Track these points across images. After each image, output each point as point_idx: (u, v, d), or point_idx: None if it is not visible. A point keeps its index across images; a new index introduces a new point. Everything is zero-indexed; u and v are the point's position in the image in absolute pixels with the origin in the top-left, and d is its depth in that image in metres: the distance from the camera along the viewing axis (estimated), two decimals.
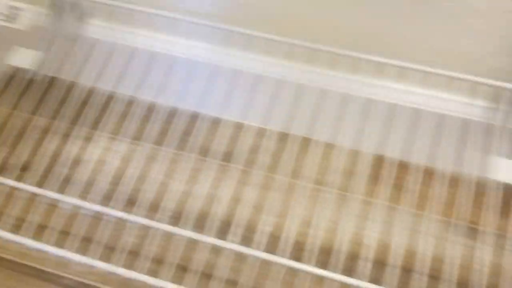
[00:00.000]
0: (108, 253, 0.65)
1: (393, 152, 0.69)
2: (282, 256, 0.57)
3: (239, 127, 0.77)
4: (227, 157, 0.75)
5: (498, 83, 0.60)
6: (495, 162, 0.56)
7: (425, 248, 0.65)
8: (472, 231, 0.68)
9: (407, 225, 0.68)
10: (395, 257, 0.64)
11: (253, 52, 0.67)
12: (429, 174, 0.71)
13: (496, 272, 0.63)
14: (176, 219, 0.69)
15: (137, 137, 0.77)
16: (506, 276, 0.62)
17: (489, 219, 0.67)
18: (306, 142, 0.74)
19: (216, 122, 0.78)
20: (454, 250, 0.65)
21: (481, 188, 0.67)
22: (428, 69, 0.60)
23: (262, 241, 0.63)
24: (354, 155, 0.73)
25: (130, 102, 0.77)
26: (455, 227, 0.67)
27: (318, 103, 0.67)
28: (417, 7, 0.58)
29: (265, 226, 0.67)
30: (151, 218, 0.68)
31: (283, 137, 0.75)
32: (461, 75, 0.60)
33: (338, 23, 0.63)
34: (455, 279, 0.61)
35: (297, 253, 0.63)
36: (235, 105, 0.68)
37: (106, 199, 0.68)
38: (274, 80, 0.67)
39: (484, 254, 0.63)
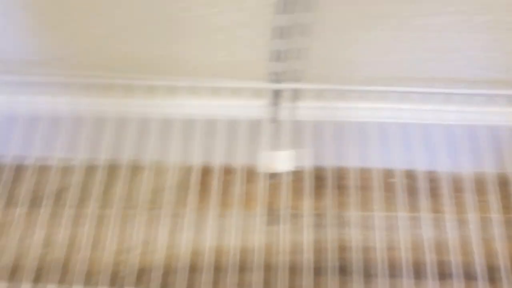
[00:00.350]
0: None
1: (197, 160, 0.74)
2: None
3: (43, 169, 0.76)
4: (34, 201, 0.74)
5: (260, 84, 0.68)
6: (265, 154, 0.63)
7: (235, 242, 0.70)
8: (278, 217, 0.75)
9: (218, 224, 0.73)
10: (208, 258, 0.69)
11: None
12: (228, 174, 0.77)
13: (298, 249, 0.71)
14: None
15: None
16: (302, 250, 0.70)
17: (282, 204, 0.74)
18: (112, 169, 0.76)
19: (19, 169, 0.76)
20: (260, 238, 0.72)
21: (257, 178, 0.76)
22: (195, 83, 0.65)
23: (78, 277, 0.64)
24: (160, 172, 0.77)
25: None
26: (255, 217, 0.74)
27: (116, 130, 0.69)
28: (173, 28, 0.63)
29: (80, 261, 0.68)
30: None
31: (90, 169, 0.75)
32: (225, 83, 0.66)
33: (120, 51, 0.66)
34: (262, 264, 0.68)
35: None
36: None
37: None
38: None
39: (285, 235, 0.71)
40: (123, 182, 0.74)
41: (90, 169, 0.75)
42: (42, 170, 0.76)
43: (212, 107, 0.69)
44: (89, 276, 0.68)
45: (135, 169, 0.75)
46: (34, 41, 0.65)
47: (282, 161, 0.63)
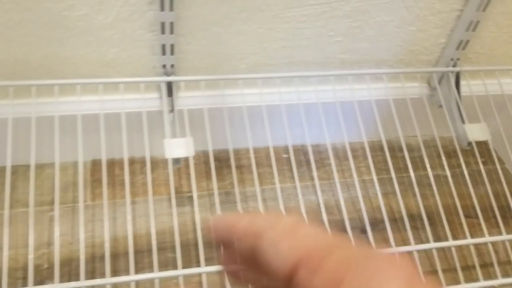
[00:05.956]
0: None
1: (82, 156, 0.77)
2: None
3: None
4: None
5: (157, 78, 0.73)
6: (169, 141, 0.68)
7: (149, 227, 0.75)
8: (185, 199, 0.81)
9: (131, 213, 0.78)
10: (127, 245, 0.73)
11: None
12: (132, 164, 0.82)
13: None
14: None
15: None
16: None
17: (197, 185, 0.81)
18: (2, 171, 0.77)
19: None
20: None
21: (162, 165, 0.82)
22: (97, 80, 0.69)
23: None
24: (65, 168, 0.80)
25: None
26: (165, 201, 0.79)
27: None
28: (56, 32, 0.66)
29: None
30: None
31: None
32: (123, 79, 0.71)
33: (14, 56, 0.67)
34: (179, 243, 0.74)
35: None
36: None
37: None
38: None
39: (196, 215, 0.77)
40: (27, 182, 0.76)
41: None
42: None
43: (109, 102, 0.73)
44: (11, 274, 0.69)
45: (40, 168, 0.78)
46: None
47: (183, 147, 0.69)
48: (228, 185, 0.83)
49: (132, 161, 0.82)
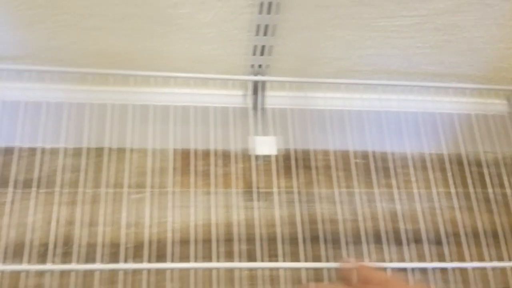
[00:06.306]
0: None
1: (172, 144, 0.81)
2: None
3: (32, 152, 0.82)
4: (28, 183, 0.79)
5: (245, 77, 0.76)
6: (254, 139, 0.71)
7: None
8: (256, 194, 0.84)
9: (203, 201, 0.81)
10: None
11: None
12: (208, 156, 0.85)
13: (281, 222, 0.81)
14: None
15: None
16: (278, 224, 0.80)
17: (267, 182, 0.84)
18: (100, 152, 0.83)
19: (8, 152, 0.81)
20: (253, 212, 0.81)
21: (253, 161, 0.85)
22: (189, 74, 0.73)
23: (81, 253, 0.70)
24: (148, 154, 0.84)
25: None
26: (242, 195, 0.82)
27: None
28: (158, 27, 0.70)
29: (81, 238, 0.74)
30: None
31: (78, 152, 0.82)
32: (214, 75, 0.74)
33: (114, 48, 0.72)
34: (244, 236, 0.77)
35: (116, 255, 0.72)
36: (24, 132, 0.72)
37: None
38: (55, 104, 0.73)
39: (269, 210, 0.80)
40: (109, 165, 0.81)
41: (77, 153, 0.82)
42: (32, 153, 0.81)
43: (199, 96, 0.76)
44: (89, 253, 0.74)
45: (121, 152, 0.83)
46: (25, 34, 0.70)
47: (267, 145, 0.72)
48: (303, 185, 0.85)
49: (208, 154, 0.86)
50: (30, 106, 0.71)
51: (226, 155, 0.86)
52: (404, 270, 0.78)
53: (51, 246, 0.74)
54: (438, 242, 0.76)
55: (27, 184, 0.79)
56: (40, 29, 0.69)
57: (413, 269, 0.70)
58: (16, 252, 0.73)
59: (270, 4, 0.66)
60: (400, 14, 0.71)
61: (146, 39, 0.72)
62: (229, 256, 0.76)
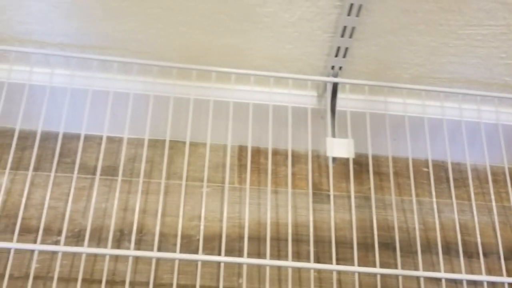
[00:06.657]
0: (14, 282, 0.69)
1: (250, 142, 0.82)
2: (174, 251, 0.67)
3: (111, 141, 0.84)
4: (108, 171, 0.82)
5: (322, 78, 0.76)
6: (330, 140, 0.71)
7: (287, 218, 0.79)
8: (325, 197, 0.84)
9: (273, 202, 0.82)
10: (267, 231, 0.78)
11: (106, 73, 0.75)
12: (276, 155, 0.86)
13: (349, 226, 0.81)
14: (74, 238, 0.75)
15: (15, 167, 0.80)
16: (360, 228, 0.80)
17: (335, 185, 0.84)
18: (174, 145, 0.84)
19: (88, 140, 0.84)
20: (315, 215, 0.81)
21: (321, 162, 0.85)
22: (270, 73, 0.74)
23: (154, 241, 0.72)
24: (219, 149, 0.86)
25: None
26: (310, 196, 0.83)
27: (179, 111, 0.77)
28: (243, 25, 0.71)
29: (155, 227, 0.76)
30: (51, 242, 0.73)
31: (154, 144, 0.84)
32: (295, 75, 0.75)
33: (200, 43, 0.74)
34: (314, 239, 0.77)
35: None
36: (102, 122, 0.74)
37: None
38: (129, 95, 0.75)
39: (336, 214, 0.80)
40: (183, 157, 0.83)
41: (155, 144, 0.84)
42: (112, 142, 0.84)
43: (275, 95, 0.77)
44: (163, 241, 0.76)
45: (195, 146, 0.84)
46: (116, 26, 0.73)
47: (344, 147, 0.72)
48: (367, 190, 0.85)
49: (276, 152, 0.87)
50: (115, 96, 0.73)
51: (296, 155, 0.87)
52: (473, 283, 0.77)
53: (126, 232, 0.76)
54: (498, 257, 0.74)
55: (106, 171, 0.82)
56: (131, 21, 0.71)
57: (482, 282, 0.69)
58: (92, 236, 0.75)
59: (360, 6, 0.66)
60: (487, 23, 0.70)
61: (229, 36, 0.73)
62: (297, 257, 0.77)
